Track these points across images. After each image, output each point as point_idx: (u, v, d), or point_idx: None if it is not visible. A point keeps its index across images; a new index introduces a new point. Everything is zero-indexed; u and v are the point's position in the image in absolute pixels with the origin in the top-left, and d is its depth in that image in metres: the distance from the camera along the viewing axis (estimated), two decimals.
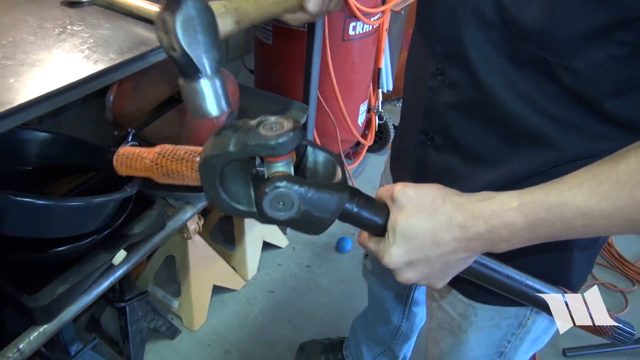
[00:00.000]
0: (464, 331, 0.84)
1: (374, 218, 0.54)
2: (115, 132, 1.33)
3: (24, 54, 0.79)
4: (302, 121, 1.71)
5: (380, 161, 2.56)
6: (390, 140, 2.53)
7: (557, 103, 0.58)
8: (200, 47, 0.52)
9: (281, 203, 0.48)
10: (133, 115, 1.38)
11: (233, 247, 1.85)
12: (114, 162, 0.58)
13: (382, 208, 0.55)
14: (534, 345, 0.85)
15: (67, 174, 1.22)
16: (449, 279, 0.58)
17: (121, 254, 1.05)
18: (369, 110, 2.31)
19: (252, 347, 1.64)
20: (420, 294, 1.19)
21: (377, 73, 2.28)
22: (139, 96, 1.39)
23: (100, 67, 0.77)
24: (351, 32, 1.87)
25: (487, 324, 0.81)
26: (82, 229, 0.95)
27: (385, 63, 2.36)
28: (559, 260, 0.72)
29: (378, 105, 2.34)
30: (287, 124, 0.48)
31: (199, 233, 1.54)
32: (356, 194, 0.54)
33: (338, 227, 2.12)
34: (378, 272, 1.20)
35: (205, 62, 0.53)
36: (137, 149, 0.56)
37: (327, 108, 1.97)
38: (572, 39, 0.52)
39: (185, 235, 1.50)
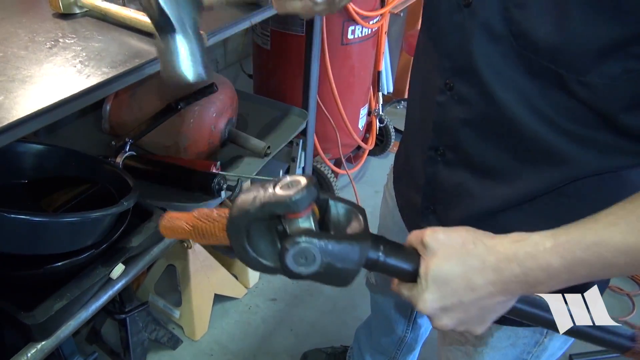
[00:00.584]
0: (479, 352, 0.82)
1: (404, 265, 0.54)
2: (113, 142, 1.32)
3: (15, 70, 0.77)
4: (302, 127, 1.69)
5: (381, 164, 2.54)
6: (391, 144, 2.51)
7: (572, 118, 0.56)
8: (180, 6, 0.51)
9: (303, 258, 0.50)
10: (130, 124, 1.36)
11: (234, 254, 1.83)
12: (160, 230, 0.61)
13: (411, 254, 0.55)
14: None
15: (64, 185, 1.21)
16: (488, 324, 0.56)
17: (119, 268, 1.03)
18: (369, 113, 2.29)
19: (254, 356, 1.63)
20: None
21: (377, 76, 2.27)
22: (135, 106, 1.38)
23: (93, 81, 0.76)
24: (350, 36, 1.85)
25: (503, 344, 0.79)
26: (79, 243, 0.94)
27: (385, 65, 2.35)
28: None
29: (379, 108, 2.32)
30: (302, 181, 0.50)
31: None
32: (380, 242, 0.54)
33: None
34: (382, 284, 1.18)
35: (183, 19, 0.51)
36: (178, 214, 0.60)
37: (327, 113, 1.96)
38: (587, 53, 0.50)
39: (186, 245, 1.49)
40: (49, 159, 1.12)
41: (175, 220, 0.59)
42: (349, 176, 2.16)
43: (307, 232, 0.50)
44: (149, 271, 1.68)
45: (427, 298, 0.52)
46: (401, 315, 1.21)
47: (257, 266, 0.54)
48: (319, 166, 2.04)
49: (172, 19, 0.51)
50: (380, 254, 0.53)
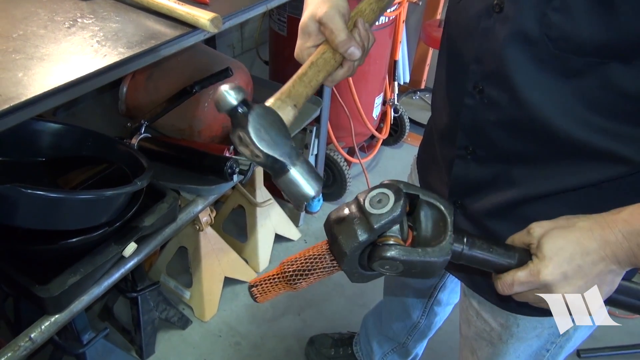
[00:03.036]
0: (504, 342, 0.83)
1: (502, 256, 0.58)
2: (129, 124, 1.34)
3: (34, 48, 0.79)
4: (316, 114, 1.69)
5: (395, 154, 2.54)
6: (406, 134, 2.50)
7: (610, 115, 0.57)
8: (278, 144, 0.56)
9: (388, 266, 0.54)
10: (146, 107, 1.38)
11: (245, 239, 1.85)
12: (254, 297, 0.64)
13: (508, 247, 0.58)
14: (568, 351, 0.84)
15: (81, 165, 1.23)
16: (604, 297, 0.58)
17: (132, 246, 1.06)
18: (384, 102, 2.28)
19: (262, 339, 1.65)
20: (444, 295, 1.17)
21: (393, 65, 2.25)
22: (152, 88, 1.40)
23: (109, 61, 0.77)
24: None
25: (529, 334, 0.80)
26: (94, 221, 0.96)
27: (402, 55, 2.33)
28: None
29: (394, 98, 2.31)
30: (391, 196, 0.53)
31: (211, 225, 1.54)
32: (465, 235, 0.57)
33: None
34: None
35: (287, 155, 0.56)
36: (264, 275, 0.63)
37: (341, 101, 1.95)
38: (637, 43, 0.51)
39: (197, 227, 1.51)
40: (66, 138, 1.14)
41: (263, 281, 0.62)
42: (361, 165, 2.16)
43: (394, 249, 0.53)
44: (161, 252, 1.71)
45: (549, 265, 0.54)
46: (419, 301, 1.21)
47: (364, 280, 0.59)
48: (332, 154, 2.04)
49: (281, 159, 0.56)
50: (464, 246, 0.57)
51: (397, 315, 1.30)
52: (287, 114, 0.61)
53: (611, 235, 0.53)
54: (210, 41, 1.85)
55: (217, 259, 1.63)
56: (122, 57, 0.78)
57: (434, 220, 0.57)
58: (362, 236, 0.53)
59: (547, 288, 0.56)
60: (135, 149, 1.24)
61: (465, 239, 0.57)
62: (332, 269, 0.59)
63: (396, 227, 0.55)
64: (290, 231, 1.98)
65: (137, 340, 1.53)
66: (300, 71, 0.64)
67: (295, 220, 2.03)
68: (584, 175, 0.63)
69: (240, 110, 0.54)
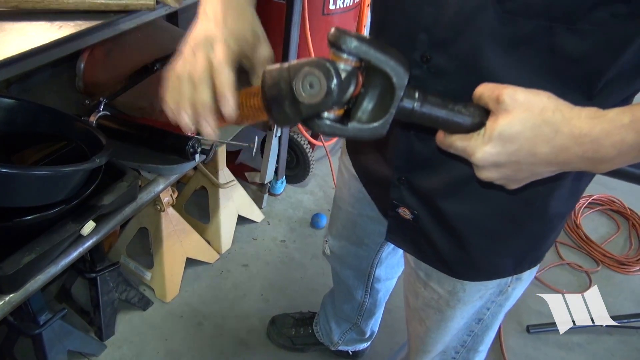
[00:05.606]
0: (452, 307, 0.86)
1: (464, 116, 0.54)
2: (87, 101, 1.31)
3: None
4: None
5: None
6: None
7: (555, 80, 0.57)
8: None
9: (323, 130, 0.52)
10: (105, 84, 1.35)
11: (207, 220, 1.84)
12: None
13: (473, 107, 0.55)
14: (506, 309, 0.88)
15: (36, 142, 1.20)
16: (523, 184, 0.57)
17: (90, 225, 1.04)
18: None
19: (224, 319, 1.66)
20: (382, 271, 1.21)
21: None
22: (111, 65, 1.36)
23: (64, 32, 0.75)
24: (332, 7, 1.84)
25: (473, 297, 0.84)
26: (50, 198, 0.94)
27: None
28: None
29: None
30: (320, 77, 0.48)
31: (173, 206, 1.53)
32: (418, 91, 0.54)
33: (313, 203, 2.13)
34: (338, 253, 1.21)
35: None
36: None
37: None
38: (577, 2, 0.52)
39: (159, 208, 1.50)
40: (20, 113, 1.10)
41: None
42: (325, 148, 2.18)
43: (322, 124, 0.51)
44: (121, 233, 1.69)
45: (487, 150, 0.52)
46: (359, 282, 1.25)
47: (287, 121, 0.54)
48: (295, 137, 2.05)
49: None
50: (416, 103, 0.53)
51: (344, 298, 1.34)
52: None
53: (576, 147, 0.50)
54: (172, 17, 1.81)
55: (178, 240, 1.63)
56: (79, 29, 0.76)
57: (381, 90, 0.53)
58: (294, 119, 0.51)
59: (477, 166, 0.55)
60: (93, 126, 1.22)
61: (417, 94, 0.54)
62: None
63: (345, 89, 0.51)
64: (253, 213, 1.98)
65: (96, 321, 1.51)
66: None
67: (258, 202, 2.04)
68: None
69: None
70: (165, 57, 1.28)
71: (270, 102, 0.52)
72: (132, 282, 1.60)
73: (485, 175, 0.55)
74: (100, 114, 1.26)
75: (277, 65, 0.52)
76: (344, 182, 1.05)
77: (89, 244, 1.09)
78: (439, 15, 0.60)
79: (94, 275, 1.39)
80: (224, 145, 1.63)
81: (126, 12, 0.82)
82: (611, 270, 2.03)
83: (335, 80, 0.48)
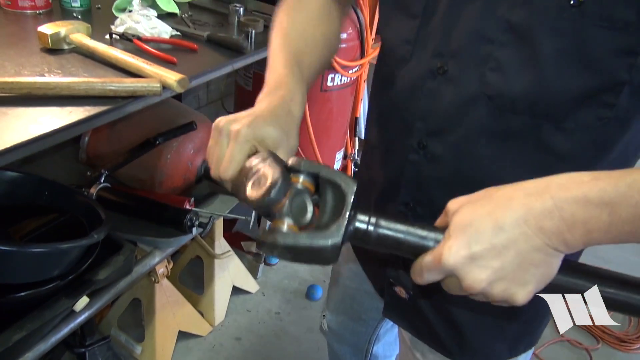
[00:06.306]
0: None
1: (417, 238, 0.50)
2: (88, 173, 1.33)
3: None
4: None
5: None
6: None
7: (542, 176, 0.56)
8: None
9: (275, 252, 0.50)
10: (107, 156, 1.38)
11: (202, 290, 1.82)
12: None
13: (426, 227, 0.51)
14: None
15: (36, 214, 1.20)
16: (530, 287, 0.47)
17: (83, 300, 1.03)
18: (345, 157, 2.35)
19: None
20: (379, 348, 1.18)
21: (354, 121, 2.33)
22: (114, 138, 1.40)
23: (74, 118, 0.78)
24: (329, 84, 1.92)
25: None
26: (45, 274, 0.93)
27: (363, 112, 2.42)
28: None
29: (354, 153, 2.38)
30: (268, 177, 0.49)
31: (167, 276, 1.52)
32: (372, 215, 0.52)
33: (309, 274, 2.11)
34: (336, 328, 1.19)
35: None
36: None
37: (303, 155, 2.00)
38: (563, 102, 0.55)
39: (153, 279, 1.48)
40: (21, 186, 1.12)
41: None
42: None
43: (273, 235, 0.49)
44: (114, 304, 1.65)
45: (451, 245, 0.46)
46: (356, 358, 1.22)
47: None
48: None
49: None
50: (370, 225, 0.51)
51: None
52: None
53: (537, 203, 0.45)
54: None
55: (171, 312, 1.60)
56: (87, 114, 0.80)
57: (335, 200, 0.51)
58: (301, 237, 0.48)
59: (457, 273, 0.47)
60: (93, 199, 1.23)
61: (369, 217, 0.51)
62: None
63: (300, 206, 0.51)
64: (249, 283, 1.96)
65: None
66: None
67: (253, 272, 2.02)
68: None
69: None
70: (167, 132, 1.32)
71: (234, 188, 0.54)
72: (122, 356, 1.55)
73: (472, 277, 0.46)
74: (101, 185, 1.28)
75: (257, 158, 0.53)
76: (342, 257, 1.05)
77: (80, 319, 1.07)
78: (434, 107, 0.63)
79: (83, 350, 1.35)
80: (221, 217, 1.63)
81: (134, 97, 0.85)
82: (611, 348, 1.98)
83: (276, 187, 0.49)
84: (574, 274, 0.49)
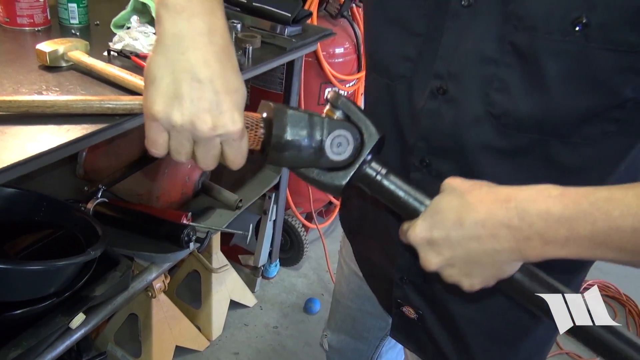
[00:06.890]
0: None
1: (412, 198, 0.56)
2: (86, 188, 1.33)
3: None
4: (275, 181, 1.73)
5: None
6: None
7: None
8: None
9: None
10: (105, 171, 1.38)
11: (199, 305, 1.81)
12: None
13: (427, 193, 0.57)
14: None
15: (33, 230, 1.20)
16: (476, 280, 0.53)
17: (80, 317, 1.02)
18: None
19: None
20: None
21: None
22: (112, 153, 1.40)
23: (71, 136, 0.78)
24: (327, 96, 1.93)
25: None
26: (41, 292, 0.93)
27: None
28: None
29: None
30: (350, 141, 0.54)
31: (164, 291, 1.51)
32: (387, 167, 0.58)
33: (307, 287, 2.11)
34: (337, 347, 1.18)
35: None
36: None
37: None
38: (569, 121, 0.55)
39: (150, 294, 1.48)
40: (18, 203, 1.12)
41: None
42: (319, 231, 2.19)
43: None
44: (110, 319, 1.64)
45: (417, 224, 0.52)
46: None
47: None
48: (290, 219, 2.06)
49: None
50: (379, 175, 0.56)
51: None
52: None
53: (501, 211, 0.48)
54: None
55: (168, 327, 1.59)
56: (85, 132, 0.80)
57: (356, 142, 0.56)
58: (294, 165, 0.55)
59: (417, 249, 0.53)
60: (90, 215, 1.23)
61: (381, 168, 0.57)
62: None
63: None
64: (246, 297, 1.95)
65: None
66: None
67: (251, 285, 2.01)
68: None
69: None
70: None
71: (284, 144, 0.53)
72: None
73: (426, 258, 0.53)
74: (98, 200, 1.28)
75: (294, 110, 0.54)
76: (343, 277, 1.05)
77: (77, 336, 1.07)
78: (435, 126, 0.62)
79: None
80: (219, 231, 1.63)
81: (131, 115, 0.85)
82: None
83: (357, 148, 0.54)
84: (531, 279, 0.53)
